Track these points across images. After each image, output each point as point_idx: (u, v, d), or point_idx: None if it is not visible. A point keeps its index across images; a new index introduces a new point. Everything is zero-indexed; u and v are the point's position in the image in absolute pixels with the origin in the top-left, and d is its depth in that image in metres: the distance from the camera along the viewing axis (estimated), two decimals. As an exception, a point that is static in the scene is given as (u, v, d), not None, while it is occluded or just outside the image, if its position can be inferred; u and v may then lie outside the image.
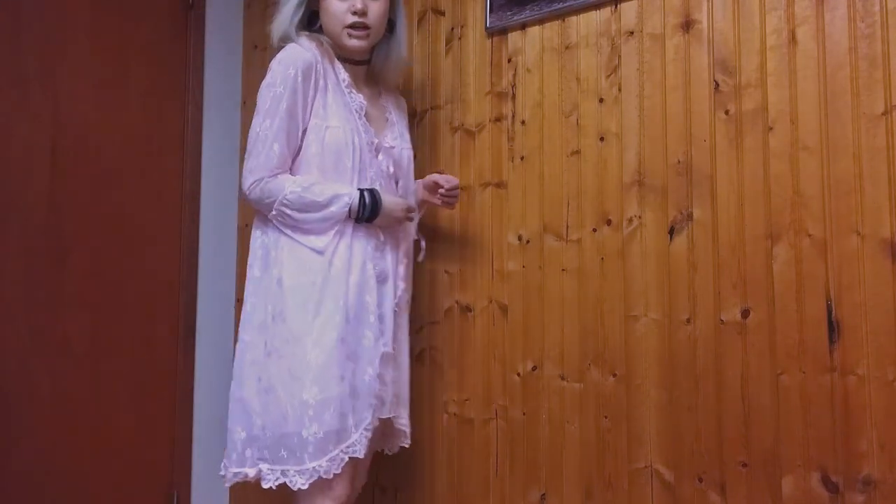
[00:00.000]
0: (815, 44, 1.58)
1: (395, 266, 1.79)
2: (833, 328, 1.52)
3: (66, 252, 2.20)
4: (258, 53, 2.63)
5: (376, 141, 1.75)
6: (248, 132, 2.70)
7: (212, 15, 2.60)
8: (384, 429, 1.81)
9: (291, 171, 1.71)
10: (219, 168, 2.61)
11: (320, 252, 1.66)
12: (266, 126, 1.69)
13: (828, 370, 1.52)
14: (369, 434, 1.64)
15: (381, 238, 1.74)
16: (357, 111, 1.74)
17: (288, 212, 1.67)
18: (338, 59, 1.78)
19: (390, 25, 1.82)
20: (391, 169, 1.79)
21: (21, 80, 2.14)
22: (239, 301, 2.62)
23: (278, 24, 1.78)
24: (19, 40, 2.14)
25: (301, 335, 1.62)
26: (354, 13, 1.70)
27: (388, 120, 1.85)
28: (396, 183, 1.82)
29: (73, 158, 2.23)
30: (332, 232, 1.67)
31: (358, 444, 1.60)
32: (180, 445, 2.45)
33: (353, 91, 1.75)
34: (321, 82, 1.71)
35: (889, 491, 1.45)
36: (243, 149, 2.65)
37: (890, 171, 1.48)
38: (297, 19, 1.76)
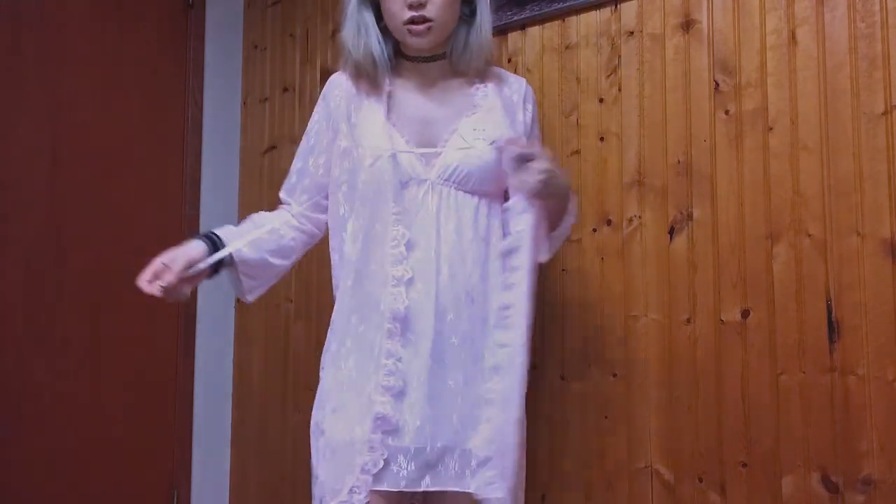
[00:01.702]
0: (815, 44, 1.57)
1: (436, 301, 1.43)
2: (833, 328, 1.52)
3: (66, 252, 2.20)
4: (258, 53, 2.63)
5: (410, 152, 1.47)
6: (247, 132, 2.72)
7: (212, 15, 2.61)
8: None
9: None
10: (219, 168, 2.61)
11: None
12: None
13: (828, 370, 1.52)
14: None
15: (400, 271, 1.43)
16: (392, 123, 1.50)
17: None
18: (407, 58, 1.57)
19: (471, 10, 1.55)
20: (442, 180, 1.47)
21: (21, 80, 2.14)
22: (239, 301, 2.62)
23: (347, 40, 1.55)
24: (19, 40, 2.14)
25: None
26: (410, 6, 1.46)
27: (450, 118, 1.52)
28: (473, 192, 1.48)
29: (73, 158, 2.23)
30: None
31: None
32: (180, 445, 2.45)
33: (394, 99, 1.53)
34: (348, 104, 1.54)
35: (889, 491, 1.45)
36: (243, 149, 2.66)
37: (890, 171, 1.48)
38: (368, 21, 1.53)
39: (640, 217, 1.78)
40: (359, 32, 1.52)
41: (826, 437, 1.51)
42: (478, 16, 1.54)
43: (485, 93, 1.55)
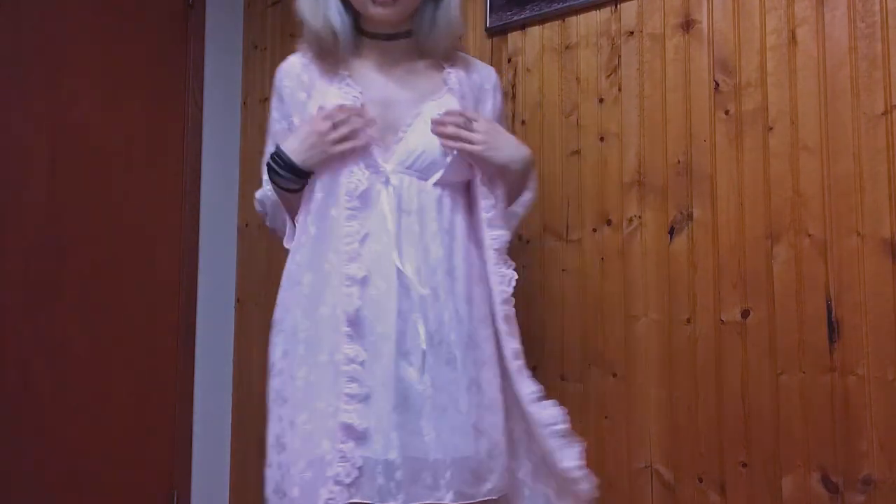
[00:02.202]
0: (815, 44, 1.57)
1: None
2: (833, 328, 1.52)
3: (66, 252, 2.20)
4: (258, 53, 2.63)
5: (373, 137, 1.37)
6: (247, 132, 2.72)
7: (212, 15, 2.61)
8: None
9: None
10: (219, 168, 2.61)
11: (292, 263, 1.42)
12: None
13: (828, 370, 1.52)
14: None
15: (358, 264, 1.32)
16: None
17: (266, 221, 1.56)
18: (368, 35, 1.45)
19: None
20: (404, 168, 1.37)
21: (21, 81, 2.14)
22: (239, 301, 2.62)
23: (304, 10, 1.43)
24: (20, 40, 2.14)
25: None
26: None
27: (413, 101, 1.42)
28: (435, 182, 1.39)
29: (73, 158, 2.23)
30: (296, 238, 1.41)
31: None
32: (180, 445, 2.45)
33: (350, 83, 1.41)
34: (299, 94, 1.45)
35: (889, 491, 1.45)
36: (243, 149, 2.66)
37: (890, 171, 1.48)
38: None
39: (640, 217, 1.78)
40: (317, 1, 1.40)
41: (826, 437, 1.51)
42: None
43: (456, 77, 1.45)
